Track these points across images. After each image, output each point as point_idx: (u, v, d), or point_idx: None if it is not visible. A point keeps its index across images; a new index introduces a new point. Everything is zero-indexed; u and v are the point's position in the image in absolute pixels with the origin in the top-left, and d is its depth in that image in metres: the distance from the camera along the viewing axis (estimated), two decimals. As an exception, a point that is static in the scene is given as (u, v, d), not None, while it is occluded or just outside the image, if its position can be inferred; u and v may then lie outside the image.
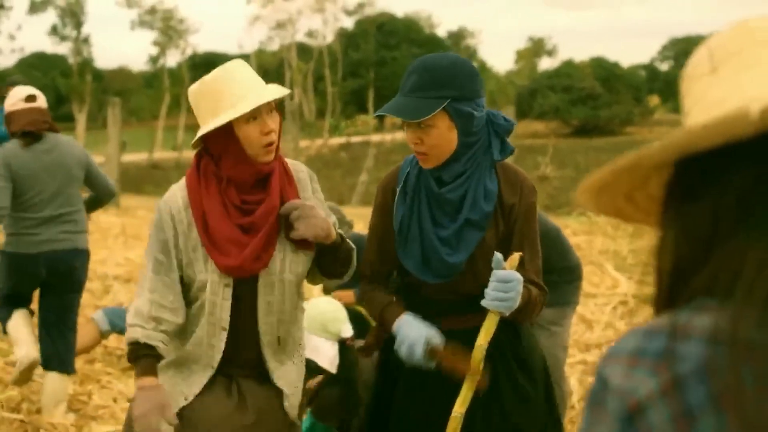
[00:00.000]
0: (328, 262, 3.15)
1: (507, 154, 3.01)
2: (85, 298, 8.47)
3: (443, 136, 2.90)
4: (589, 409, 1.00)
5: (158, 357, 3.04)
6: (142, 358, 3.00)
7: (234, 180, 3.01)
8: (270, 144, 2.97)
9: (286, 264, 3.08)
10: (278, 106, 3.06)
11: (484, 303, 2.77)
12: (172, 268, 3.06)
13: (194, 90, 3.02)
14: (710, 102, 1.00)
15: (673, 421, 0.88)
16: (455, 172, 2.97)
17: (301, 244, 3.08)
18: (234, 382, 3.14)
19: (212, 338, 3.08)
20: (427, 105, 2.84)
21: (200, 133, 2.97)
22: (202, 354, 3.11)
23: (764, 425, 0.83)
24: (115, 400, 5.61)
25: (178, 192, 3.10)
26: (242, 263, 2.98)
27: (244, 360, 3.14)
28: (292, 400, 3.20)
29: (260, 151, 2.96)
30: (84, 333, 6.41)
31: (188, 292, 3.10)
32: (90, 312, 7.74)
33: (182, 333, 3.14)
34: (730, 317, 0.90)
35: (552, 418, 3.21)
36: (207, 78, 2.99)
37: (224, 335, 3.08)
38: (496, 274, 2.75)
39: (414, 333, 2.87)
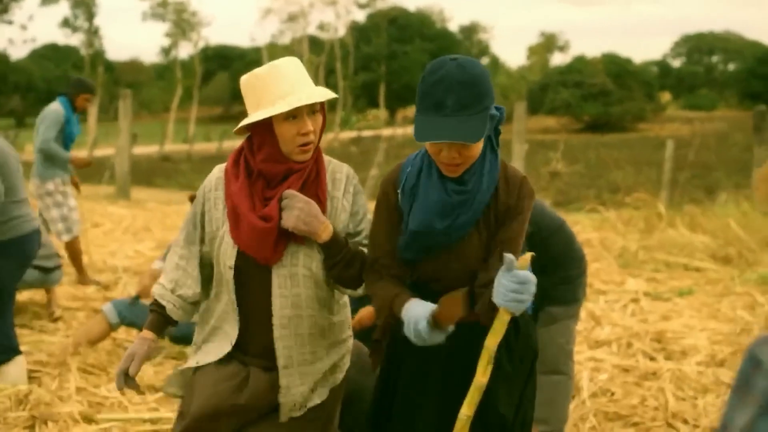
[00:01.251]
0: (327, 264, 3.14)
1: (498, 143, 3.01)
2: (95, 290, 8.51)
3: (480, 144, 2.89)
4: (734, 392, 0.97)
5: (167, 317, 3.30)
6: (152, 312, 3.31)
7: (263, 174, 3.11)
8: (306, 144, 3.05)
9: (299, 258, 3.11)
10: (323, 109, 3.13)
11: (497, 301, 2.73)
12: (195, 241, 3.28)
13: (244, 81, 3.13)
14: None
15: None
16: (473, 169, 2.95)
17: (298, 237, 3.10)
18: (245, 368, 3.21)
19: (228, 315, 3.22)
20: (479, 123, 2.79)
21: (241, 124, 3.08)
22: (222, 329, 3.25)
23: None
24: (123, 392, 5.61)
25: (216, 172, 3.29)
26: (254, 241, 3.07)
27: (258, 347, 3.20)
28: (289, 400, 3.21)
29: (295, 150, 3.06)
30: (93, 325, 6.42)
31: (211, 268, 3.28)
32: (99, 304, 7.76)
33: (207, 310, 3.32)
34: None
35: (527, 399, 3.21)
36: (258, 71, 3.09)
37: (236, 313, 3.19)
38: (516, 274, 2.70)
39: (418, 310, 2.85)
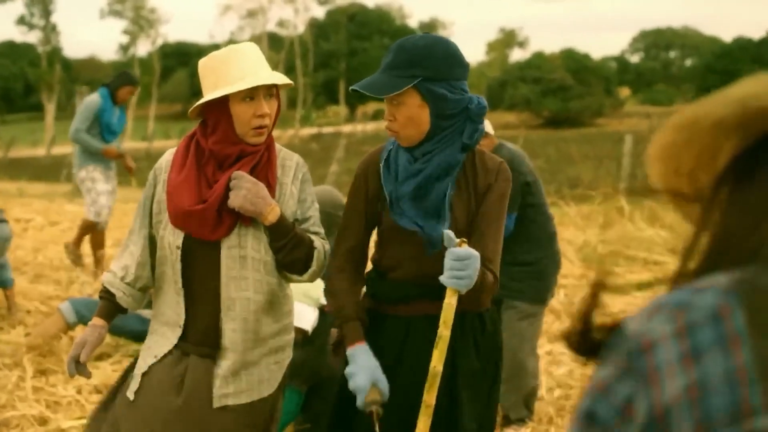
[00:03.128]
0: (273, 246, 3.15)
1: (475, 140, 3.00)
2: (53, 289, 8.42)
3: (413, 114, 2.92)
4: (604, 358, 1.01)
5: (116, 304, 3.29)
6: (103, 300, 3.31)
7: (215, 155, 3.12)
8: (260, 127, 3.07)
9: (248, 240, 3.13)
10: (278, 95, 3.16)
11: (441, 279, 2.75)
12: (144, 225, 3.28)
13: (203, 62, 3.15)
14: None
15: (681, 358, 0.90)
16: (425, 151, 2.99)
17: (246, 218, 3.12)
18: (186, 359, 3.20)
19: (176, 298, 3.20)
20: (396, 83, 2.88)
21: (197, 103, 3.08)
22: (171, 313, 3.22)
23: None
24: (79, 391, 5.55)
25: (167, 155, 3.30)
26: (191, 218, 3.09)
27: (200, 332, 3.19)
28: (228, 387, 3.18)
29: (249, 132, 3.08)
30: (50, 323, 6.35)
31: (157, 251, 3.26)
32: (57, 303, 7.68)
33: (157, 294, 3.30)
34: (751, 271, 0.91)
35: (493, 394, 3.23)
36: (217, 53, 3.14)
37: (182, 295, 3.18)
38: (453, 251, 2.72)
39: (360, 379, 2.94)
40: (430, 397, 2.81)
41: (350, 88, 3.00)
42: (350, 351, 3.01)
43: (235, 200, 3.03)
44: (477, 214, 3.03)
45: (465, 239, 2.79)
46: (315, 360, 4.16)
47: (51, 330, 6.31)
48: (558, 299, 8.25)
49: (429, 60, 2.88)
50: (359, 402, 2.93)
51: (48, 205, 14.42)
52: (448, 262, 2.73)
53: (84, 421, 5.03)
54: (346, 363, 3.20)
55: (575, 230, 12.11)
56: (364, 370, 2.95)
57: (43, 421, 5.02)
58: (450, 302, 2.77)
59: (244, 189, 3.03)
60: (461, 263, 2.71)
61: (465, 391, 3.06)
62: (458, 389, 3.02)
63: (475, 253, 2.74)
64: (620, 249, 10.79)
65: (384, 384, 2.96)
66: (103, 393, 5.47)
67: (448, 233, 2.74)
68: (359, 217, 3.15)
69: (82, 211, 13.89)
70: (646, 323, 0.95)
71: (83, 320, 6.31)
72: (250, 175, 3.09)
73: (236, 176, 3.07)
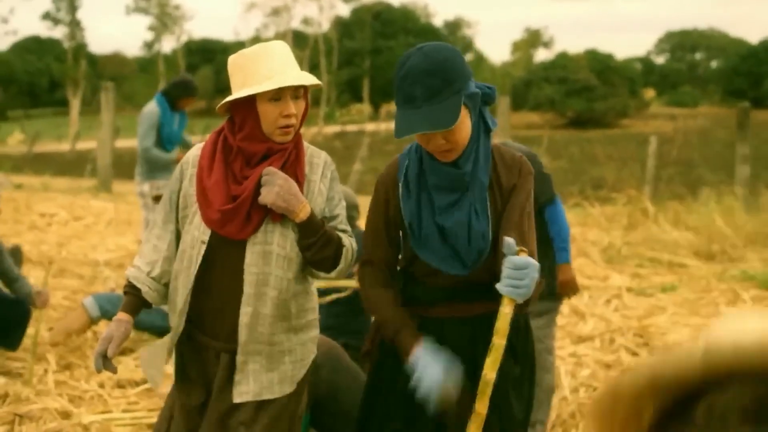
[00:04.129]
0: (302, 244, 3.14)
1: (494, 124, 2.97)
2: (76, 283, 8.45)
3: (466, 126, 2.86)
4: None
5: (142, 299, 3.26)
6: (127, 295, 3.27)
7: (243, 152, 3.12)
8: (287, 126, 3.07)
9: (275, 236, 3.12)
10: (306, 95, 3.15)
11: (498, 287, 2.71)
12: (171, 219, 3.27)
13: (232, 60, 3.15)
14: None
15: None
16: (468, 153, 2.93)
17: (275, 214, 3.10)
18: (205, 353, 3.23)
19: (184, 290, 3.19)
20: (451, 108, 2.77)
21: (226, 100, 3.09)
22: (182, 307, 3.21)
23: None
24: (102, 386, 5.56)
25: (194, 150, 3.29)
26: (222, 217, 3.08)
27: (222, 328, 3.19)
28: (246, 384, 3.18)
29: (275, 131, 3.07)
30: (73, 318, 6.37)
31: (180, 245, 3.25)
32: (81, 297, 7.70)
33: (174, 291, 3.27)
34: None
35: (529, 402, 3.20)
36: (246, 50, 3.12)
37: (189, 288, 3.17)
38: (511, 260, 2.68)
39: (432, 375, 2.83)
40: (481, 406, 2.76)
41: (405, 135, 2.79)
42: (410, 360, 2.91)
43: (267, 197, 3.02)
44: (507, 211, 2.98)
45: (525, 248, 2.74)
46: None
47: (74, 325, 6.33)
48: (582, 301, 8.21)
49: (458, 69, 2.81)
50: (432, 409, 2.86)
51: (72, 200, 14.47)
52: (506, 270, 2.68)
53: (106, 416, 5.04)
54: (368, 378, 3.20)
55: (599, 231, 12.05)
56: (428, 375, 2.84)
57: (65, 415, 5.03)
58: (505, 311, 2.72)
59: (276, 186, 3.02)
60: (520, 272, 2.67)
61: (508, 397, 3.02)
62: (500, 395, 2.96)
63: (534, 263, 2.70)
64: (645, 251, 10.73)
65: (453, 375, 2.86)
66: (125, 388, 5.49)
67: (508, 241, 2.69)
68: (382, 235, 3.11)
69: (106, 206, 13.94)
70: None
71: (106, 315, 6.33)
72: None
73: (268, 172, 3.06)
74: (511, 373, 3.02)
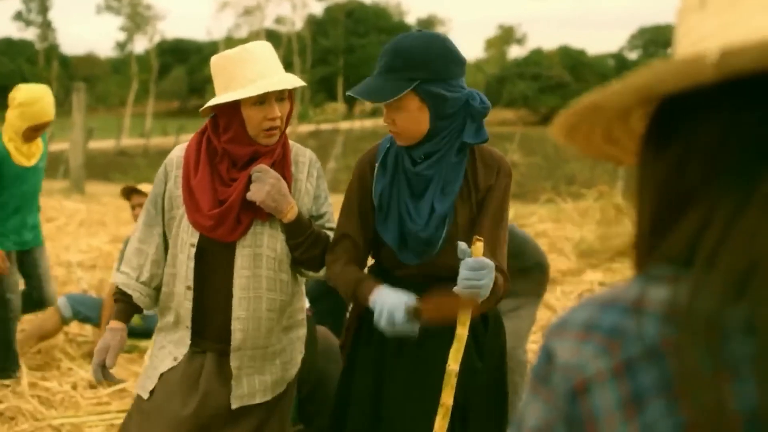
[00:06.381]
0: (290, 244, 3.14)
1: (480, 140, 2.97)
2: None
3: (413, 117, 2.88)
4: (532, 384, 0.91)
5: (133, 305, 3.26)
6: (118, 302, 3.26)
7: (228, 154, 3.10)
8: (271, 129, 3.06)
9: (264, 239, 3.12)
10: (291, 96, 3.15)
11: (456, 290, 2.73)
12: (157, 222, 3.23)
13: (214, 61, 3.12)
14: (693, 40, 0.89)
15: (622, 405, 0.80)
16: (426, 151, 2.95)
17: (262, 213, 3.10)
18: (200, 357, 3.19)
19: (184, 298, 3.16)
20: (395, 87, 2.83)
21: (208, 104, 3.07)
22: (180, 314, 3.19)
23: (719, 412, 0.75)
24: (74, 387, 5.55)
25: (177, 151, 3.26)
26: (213, 222, 3.06)
27: (214, 329, 3.17)
28: (242, 389, 3.17)
29: (260, 134, 3.06)
30: (45, 319, 6.34)
31: (167, 249, 3.22)
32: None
33: (167, 296, 3.24)
34: (689, 289, 0.80)
35: (499, 395, 3.19)
36: (230, 52, 3.10)
37: (190, 294, 3.14)
38: (467, 262, 2.70)
39: (392, 299, 2.82)
40: (446, 397, 2.78)
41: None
42: (371, 300, 2.88)
43: (257, 194, 3.02)
44: (481, 214, 3.00)
45: (481, 238, 2.76)
46: (310, 368, 4.11)
47: (46, 325, 6.30)
48: (555, 295, 8.24)
49: (426, 61, 2.83)
50: (399, 319, 2.79)
51: (45, 201, 14.36)
52: (463, 272, 2.70)
53: (78, 419, 5.03)
54: (345, 365, 3.20)
55: (572, 227, 12.09)
56: (393, 295, 2.83)
57: (37, 417, 5.01)
58: (464, 309, 2.75)
59: (268, 185, 3.02)
60: (476, 273, 2.69)
61: (467, 392, 3.02)
62: (459, 389, 2.97)
63: (490, 263, 2.72)
64: (617, 245, 10.77)
65: (414, 300, 2.84)
66: (97, 389, 5.47)
67: (462, 245, 2.72)
68: (354, 218, 3.10)
69: (78, 207, 13.88)
70: (578, 353, 0.85)
71: (78, 316, 6.31)
72: None
73: (260, 169, 3.05)
74: (469, 367, 3.02)
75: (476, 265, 2.70)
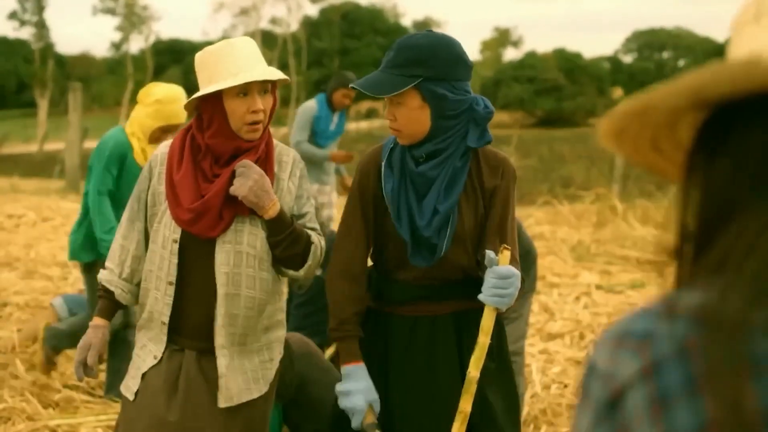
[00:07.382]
0: (271, 242, 3.15)
1: (483, 143, 2.97)
2: (45, 285, 8.40)
3: (413, 114, 2.89)
4: (579, 396, 0.92)
5: (116, 302, 3.27)
6: (102, 299, 3.28)
7: (212, 150, 3.10)
8: (255, 123, 3.06)
9: (244, 236, 3.11)
10: (274, 91, 3.16)
11: (481, 298, 2.76)
12: (139, 218, 3.25)
13: (198, 56, 3.15)
14: (747, 50, 0.90)
15: (649, 406, 0.80)
16: (427, 151, 2.96)
17: (243, 208, 3.10)
18: (179, 356, 3.18)
19: (164, 294, 3.15)
20: (396, 82, 2.85)
21: (192, 97, 3.08)
22: (157, 309, 3.18)
23: (740, 409, 0.75)
24: (72, 388, 5.54)
25: (162, 148, 3.28)
26: (193, 215, 3.06)
27: (194, 327, 3.16)
28: (230, 388, 3.16)
29: (243, 128, 3.06)
30: (42, 318, 6.33)
31: (149, 245, 3.22)
32: (50, 298, 7.65)
33: (145, 292, 3.23)
34: (718, 293, 0.81)
35: (513, 400, 3.20)
36: (212, 47, 3.13)
37: (171, 290, 3.14)
38: (495, 270, 2.73)
39: (355, 399, 2.94)
40: (465, 404, 2.80)
41: (350, 85, 2.97)
42: (347, 369, 2.99)
43: (241, 189, 3.01)
44: (489, 217, 3.01)
45: (508, 246, 2.78)
46: (287, 372, 4.07)
47: (43, 326, 6.29)
48: (552, 298, 8.24)
49: (431, 60, 2.84)
50: (356, 423, 2.93)
51: (40, 201, 14.37)
52: (490, 280, 2.73)
53: (75, 420, 5.02)
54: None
55: (569, 229, 12.11)
56: (361, 392, 2.94)
57: (33, 417, 5.00)
58: (489, 317, 2.79)
59: (251, 180, 3.02)
60: (504, 281, 2.72)
61: (486, 391, 3.02)
62: (480, 393, 2.96)
63: (516, 272, 2.75)
64: (614, 248, 10.78)
65: (377, 406, 2.97)
66: (95, 389, 5.46)
67: (490, 254, 2.74)
68: (359, 221, 3.10)
69: (75, 207, 13.85)
70: (613, 360, 0.86)
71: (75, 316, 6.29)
72: None
73: (245, 165, 3.05)
74: (488, 368, 3.02)
75: (505, 274, 2.71)
